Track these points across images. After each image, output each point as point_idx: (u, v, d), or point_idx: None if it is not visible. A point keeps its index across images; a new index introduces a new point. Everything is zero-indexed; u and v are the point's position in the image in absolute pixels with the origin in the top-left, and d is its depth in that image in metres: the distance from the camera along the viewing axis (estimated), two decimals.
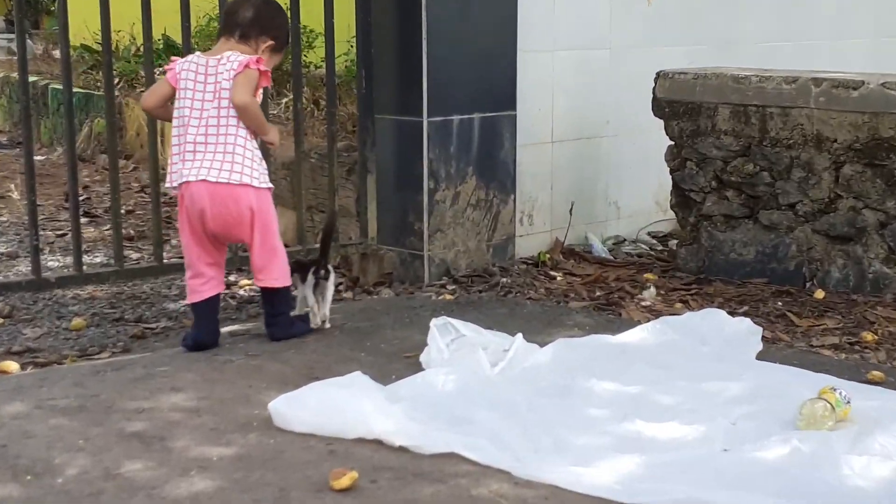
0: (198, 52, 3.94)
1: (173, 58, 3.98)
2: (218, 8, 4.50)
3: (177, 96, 3.89)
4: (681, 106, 4.88)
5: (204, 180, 3.77)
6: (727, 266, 4.83)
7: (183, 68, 3.88)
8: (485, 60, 4.81)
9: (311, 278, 4.18)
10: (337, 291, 4.67)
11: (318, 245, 4.30)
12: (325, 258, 4.26)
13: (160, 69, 4.63)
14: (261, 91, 3.93)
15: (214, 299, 3.99)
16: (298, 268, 4.24)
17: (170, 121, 3.96)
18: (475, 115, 4.80)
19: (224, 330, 4.13)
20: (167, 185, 4.00)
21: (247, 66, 3.82)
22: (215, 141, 3.84)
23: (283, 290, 3.99)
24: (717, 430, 2.95)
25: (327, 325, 4.22)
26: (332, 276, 4.27)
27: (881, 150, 4.40)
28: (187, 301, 4.05)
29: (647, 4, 5.63)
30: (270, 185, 3.93)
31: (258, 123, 3.94)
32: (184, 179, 3.81)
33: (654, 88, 4.96)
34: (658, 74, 4.96)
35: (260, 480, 2.78)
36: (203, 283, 3.95)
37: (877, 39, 6.85)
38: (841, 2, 6.71)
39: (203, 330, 3.98)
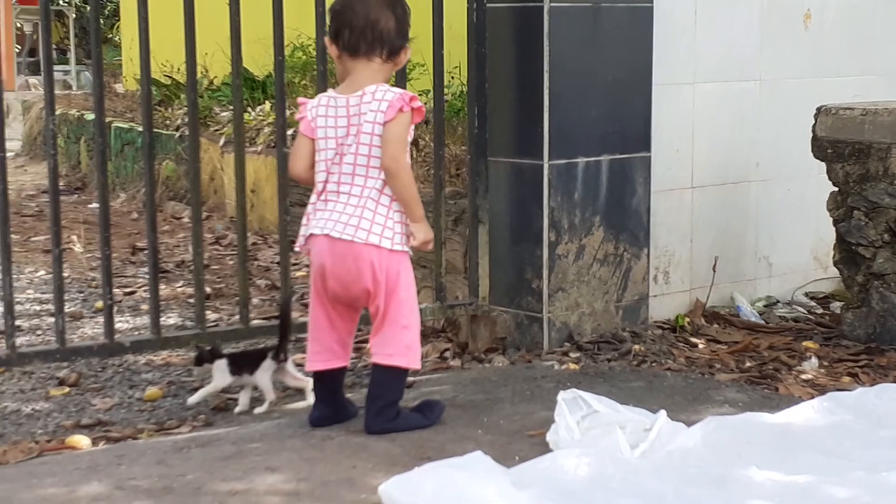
0: (331, 90, 3.91)
1: (300, 99, 3.95)
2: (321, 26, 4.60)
3: (316, 147, 3.90)
4: (846, 146, 4.91)
5: (327, 235, 3.82)
6: None
7: (318, 114, 3.89)
8: (615, 95, 4.85)
9: (269, 363, 4.29)
10: (443, 359, 4.77)
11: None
12: (285, 341, 4.36)
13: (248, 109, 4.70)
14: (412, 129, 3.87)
15: (332, 373, 4.03)
16: (250, 356, 4.41)
17: (309, 182, 3.97)
18: (603, 157, 4.84)
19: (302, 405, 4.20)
20: (297, 244, 4.02)
21: (400, 109, 3.82)
22: (348, 191, 3.87)
23: (396, 373, 3.94)
24: None
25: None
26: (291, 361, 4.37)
27: None
28: (306, 369, 4.10)
29: (805, 27, 5.68)
30: (407, 248, 3.90)
31: (407, 196, 3.90)
32: (309, 232, 3.88)
33: (813, 126, 5.00)
34: (819, 110, 5.00)
35: None
36: (322, 351, 4.02)
37: None
38: None
39: (322, 406, 4.05)
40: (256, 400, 4.42)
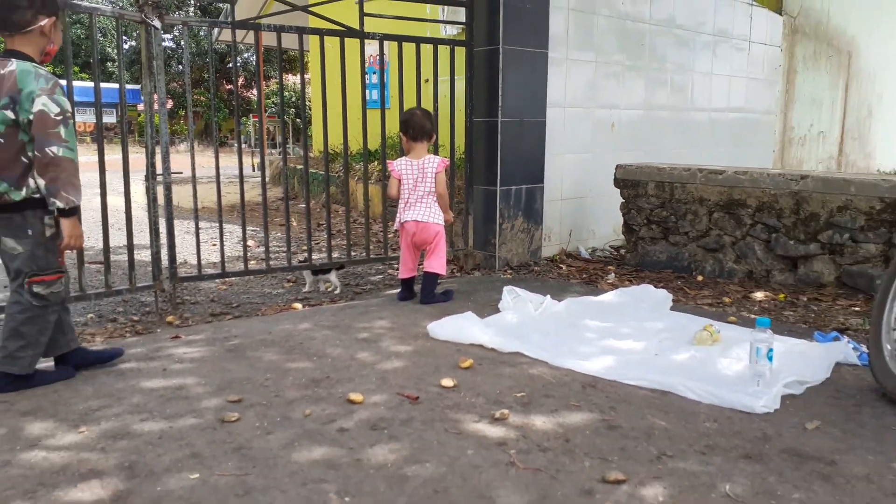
0: (406, 157, 3.95)
1: (389, 161, 4.02)
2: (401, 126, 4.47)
3: (402, 183, 4.02)
4: (629, 182, 5.12)
5: (415, 220, 3.99)
6: (651, 263, 5.04)
7: (402, 168, 4.00)
8: (528, 159, 4.93)
9: (334, 273, 4.43)
10: (451, 273, 4.85)
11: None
12: (329, 271, 4.48)
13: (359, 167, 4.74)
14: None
15: (412, 279, 4.12)
16: (327, 269, 4.48)
17: (397, 200, 4.05)
18: (523, 185, 4.97)
19: (395, 292, 4.23)
20: (395, 225, 4.11)
21: (442, 166, 3.98)
22: (421, 202, 4.00)
23: (435, 276, 4.02)
24: (652, 345, 3.04)
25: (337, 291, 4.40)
26: (332, 274, 4.40)
27: (734, 205, 4.63)
28: (399, 276, 4.15)
29: (612, 130, 5.90)
30: (443, 224, 4.00)
31: (445, 203, 4.07)
32: (405, 219, 4.02)
33: (615, 173, 5.19)
34: (617, 166, 5.20)
35: (423, 362, 2.93)
36: (407, 270, 4.10)
37: (732, 149, 6.98)
38: (714, 128, 6.84)
39: (404, 292, 4.13)
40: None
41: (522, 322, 3.50)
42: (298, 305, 4.17)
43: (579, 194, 5.60)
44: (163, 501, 1.93)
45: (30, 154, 2.45)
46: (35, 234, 2.51)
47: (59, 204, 2.45)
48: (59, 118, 2.40)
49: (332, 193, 8.16)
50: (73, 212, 2.50)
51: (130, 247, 3.82)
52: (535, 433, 2.29)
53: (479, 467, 2.12)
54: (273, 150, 17.31)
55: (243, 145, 17.91)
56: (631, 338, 3.18)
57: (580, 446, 2.24)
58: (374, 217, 7.22)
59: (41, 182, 2.45)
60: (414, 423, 2.36)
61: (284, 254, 4.94)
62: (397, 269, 5.07)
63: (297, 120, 18.33)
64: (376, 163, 7.03)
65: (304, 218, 4.56)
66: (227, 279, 4.71)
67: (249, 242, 5.98)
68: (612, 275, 4.83)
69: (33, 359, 2.59)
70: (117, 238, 5.27)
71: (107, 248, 3.72)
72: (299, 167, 9.25)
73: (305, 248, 4.98)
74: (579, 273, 4.94)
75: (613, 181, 5.17)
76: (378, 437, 2.25)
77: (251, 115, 20.58)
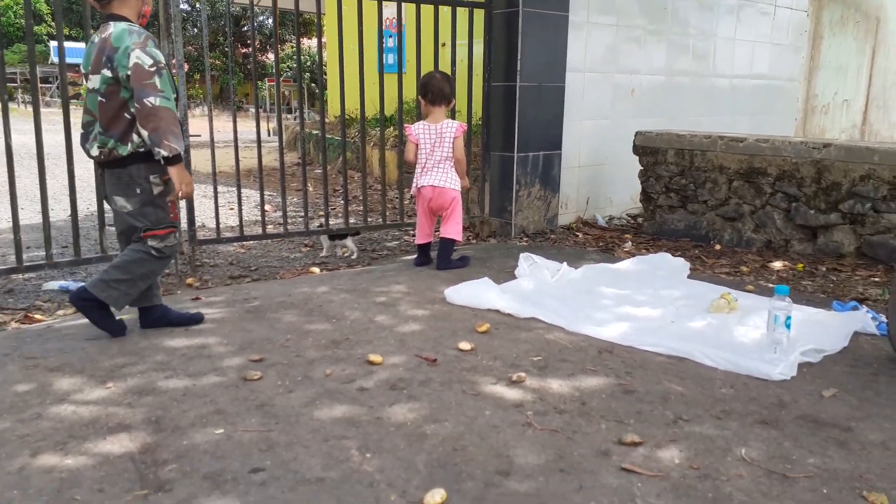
0: (423, 121, 3.89)
1: (406, 125, 3.98)
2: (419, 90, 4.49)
3: (419, 147, 3.97)
4: (648, 149, 5.07)
5: (432, 185, 3.97)
6: (669, 232, 5.03)
7: (420, 133, 3.95)
8: (547, 125, 4.93)
9: (350, 238, 4.46)
10: (466, 240, 4.83)
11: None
12: (345, 236, 4.51)
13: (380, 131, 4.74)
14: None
15: (428, 245, 4.12)
16: (343, 235, 4.46)
17: (414, 165, 4.01)
18: (540, 152, 4.96)
19: (411, 258, 4.22)
20: (412, 190, 4.09)
21: (460, 130, 3.92)
22: (438, 167, 3.96)
23: (451, 242, 4.00)
24: (668, 312, 3.05)
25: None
26: (348, 239, 4.43)
27: (754, 173, 4.59)
28: (416, 242, 4.15)
29: (632, 96, 5.81)
30: (460, 189, 4.03)
31: (462, 169, 4.04)
32: (421, 185, 4.00)
33: (634, 140, 5.15)
34: (636, 133, 5.14)
35: (440, 326, 2.96)
36: (423, 235, 4.10)
37: (753, 116, 6.86)
38: (736, 95, 6.71)
39: (421, 258, 4.14)
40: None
41: (539, 288, 3.52)
42: (316, 269, 4.21)
43: (597, 161, 5.56)
44: (189, 454, 1.98)
45: (131, 110, 2.53)
46: (143, 192, 2.61)
47: (163, 152, 2.50)
48: (152, 69, 2.47)
49: (347, 159, 8.09)
50: (178, 159, 2.55)
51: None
52: (551, 396, 2.32)
53: (496, 427, 2.16)
54: (288, 115, 17.24)
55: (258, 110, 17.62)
56: (648, 305, 3.19)
57: (596, 409, 2.27)
58: (389, 183, 7.23)
59: (145, 134, 2.51)
60: (432, 384, 2.40)
61: (301, 218, 4.97)
62: (413, 236, 5.10)
63: (313, 84, 18.19)
64: (392, 128, 6.97)
65: (320, 183, 4.55)
66: (245, 243, 4.76)
67: (266, 207, 5.99)
68: (629, 243, 4.82)
69: (124, 297, 2.66)
70: None
71: None
72: (314, 132, 9.24)
73: (322, 213, 5.00)
74: (596, 241, 4.93)
75: (633, 148, 5.12)
76: (397, 396, 2.29)
77: (266, 79, 20.45)
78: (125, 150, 2.59)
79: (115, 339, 2.87)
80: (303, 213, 4.51)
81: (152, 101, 2.47)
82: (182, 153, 2.58)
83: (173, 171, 2.58)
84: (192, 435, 2.09)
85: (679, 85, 6.12)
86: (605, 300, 3.28)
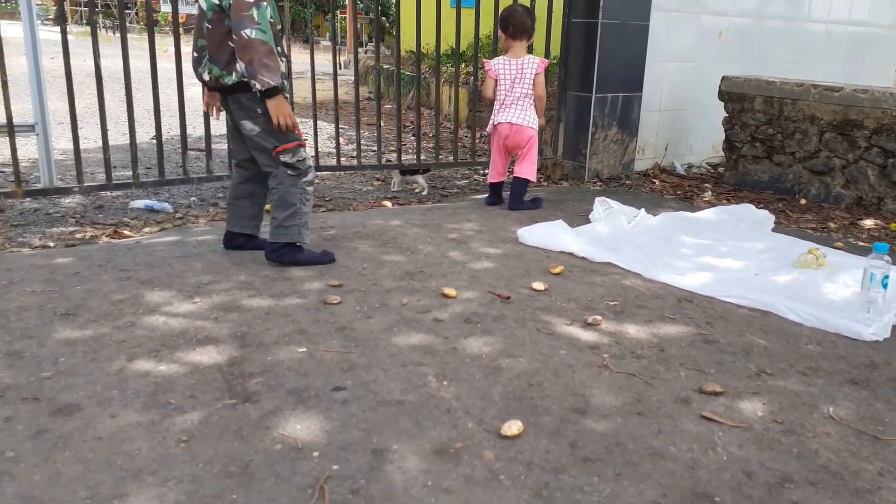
0: (503, 56, 3.81)
1: (484, 60, 3.89)
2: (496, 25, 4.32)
3: (498, 83, 3.87)
4: (735, 95, 4.85)
5: (509, 122, 3.89)
6: (751, 183, 4.85)
7: (499, 68, 3.85)
8: (628, 65, 4.81)
9: (421, 176, 4.44)
10: (538, 183, 4.75)
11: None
12: (416, 172, 4.47)
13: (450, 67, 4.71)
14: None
15: (500, 184, 4.08)
16: (416, 171, 4.44)
17: (492, 102, 3.91)
18: (620, 93, 4.81)
19: (482, 197, 4.19)
20: (489, 127, 4.00)
21: (542, 66, 3.82)
22: (517, 104, 3.87)
23: (525, 182, 3.95)
24: (751, 265, 2.97)
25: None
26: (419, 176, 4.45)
27: (848, 126, 4.35)
28: (489, 181, 4.11)
29: (719, 38, 5.53)
30: (537, 128, 3.94)
31: (541, 107, 3.94)
32: (498, 121, 3.92)
33: (719, 85, 4.93)
34: (723, 78, 4.93)
35: (513, 265, 2.97)
36: (496, 174, 4.05)
37: (848, 66, 6.49)
38: (830, 42, 6.36)
39: (492, 197, 4.11)
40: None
41: (614, 234, 3.46)
42: (388, 203, 4.24)
43: (678, 106, 5.36)
44: (274, 370, 2.04)
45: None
46: (264, 111, 2.61)
47: (257, 86, 2.51)
48: (251, 1, 2.45)
49: (412, 95, 8.05)
50: (274, 92, 2.55)
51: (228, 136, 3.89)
52: (628, 341, 2.29)
53: (571, 367, 2.15)
54: (360, 49, 17.15)
55: (329, 43, 17.84)
56: (729, 256, 3.11)
57: (675, 357, 2.23)
58: (460, 121, 7.13)
59: (241, 65, 2.52)
60: (506, 320, 2.40)
61: (373, 153, 4.97)
62: (483, 175, 5.07)
63: (384, 18, 18.03)
64: (464, 65, 6.84)
65: (391, 118, 4.52)
66: (319, 174, 4.78)
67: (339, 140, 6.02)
68: (709, 193, 4.69)
69: (301, 228, 2.74)
70: (218, 127, 5.39)
71: (208, 135, 3.83)
72: (386, 66, 9.17)
73: (393, 148, 4.98)
74: (673, 189, 4.81)
75: (718, 94, 4.92)
76: (472, 329, 2.31)
77: (339, 11, 20.31)
78: (230, 79, 2.60)
79: (200, 258, 2.96)
80: (375, 148, 4.50)
81: (248, 33, 2.45)
82: (280, 86, 2.56)
83: (270, 104, 2.57)
84: (275, 352, 2.15)
85: (769, 29, 5.80)
86: (685, 249, 3.20)
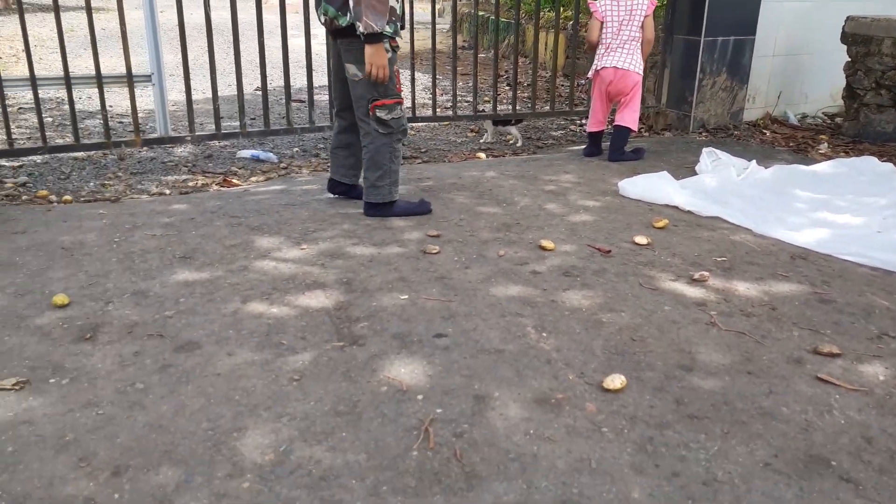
0: None
1: (589, 1, 3.75)
2: None
3: (604, 25, 3.73)
4: (859, 37, 4.50)
5: (614, 67, 3.75)
6: (873, 135, 4.53)
7: (606, 9, 3.70)
8: (740, 7, 4.53)
9: (514, 126, 4.38)
10: (639, 133, 4.57)
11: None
12: (508, 123, 4.37)
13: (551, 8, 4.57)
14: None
15: (600, 133, 3.97)
16: (508, 121, 4.33)
17: (596, 46, 3.75)
18: (731, 37, 4.58)
19: (579, 148, 4.15)
20: (591, 72, 3.88)
21: (652, 8, 3.65)
22: (623, 48, 3.72)
23: (627, 131, 3.82)
24: (873, 221, 2.81)
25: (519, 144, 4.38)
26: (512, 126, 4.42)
27: None
28: (587, 130, 4.01)
29: None
30: (641, 73, 3.80)
31: (648, 50, 3.79)
32: (602, 66, 3.78)
33: (843, 26, 4.56)
34: (847, 18, 4.56)
35: (614, 218, 2.92)
36: (596, 123, 3.93)
37: None
38: None
39: (591, 147, 4.00)
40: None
41: (722, 186, 3.31)
42: (482, 155, 4.22)
43: (794, 51, 5.01)
44: (378, 315, 2.10)
45: None
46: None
47: (360, 28, 2.47)
48: None
49: (512, 43, 7.87)
50: (376, 38, 2.50)
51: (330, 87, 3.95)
52: (737, 298, 2.21)
53: (676, 323, 2.09)
54: None
55: None
56: (848, 212, 2.97)
57: (788, 316, 2.13)
58: (557, 69, 6.94)
59: (352, 6, 2.48)
60: (607, 274, 2.36)
61: (468, 103, 4.93)
62: (580, 125, 4.94)
63: None
64: (562, 9, 6.63)
65: (484, 68, 4.44)
66: (414, 125, 4.80)
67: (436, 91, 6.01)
68: (825, 144, 4.40)
69: (392, 186, 2.77)
70: (318, 78, 5.49)
71: (310, 86, 3.90)
72: (481, 13, 8.99)
73: (487, 98, 4.92)
74: (786, 141, 4.54)
75: (840, 36, 4.55)
76: (571, 282, 2.29)
77: None
78: (344, 20, 2.54)
79: (305, 206, 3.06)
80: (469, 98, 4.46)
81: None
82: (390, 31, 2.53)
83: (368, 50, 2.53)
84: (379, 298, 2.21)
85: None
86: (799, 203, 3.08)
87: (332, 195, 3.07)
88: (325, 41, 3.89)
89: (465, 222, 2.83)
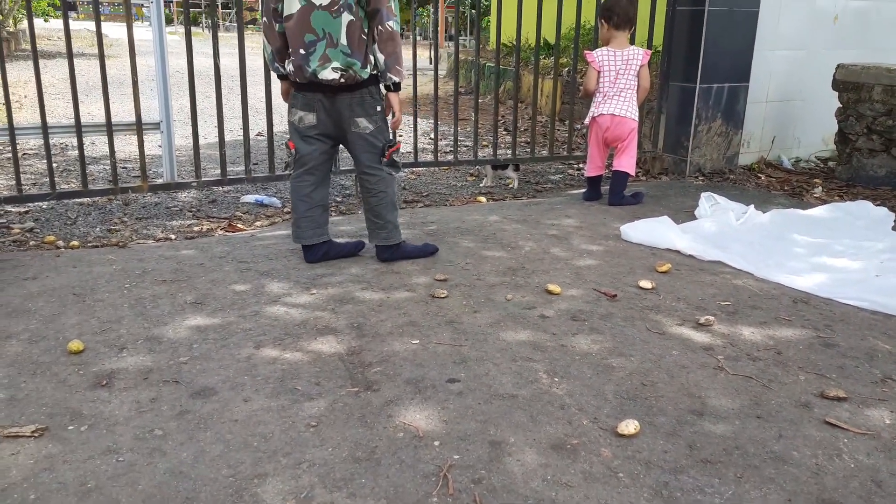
0: (606, 47, 3.78)
1: (586, 52, 3.87)
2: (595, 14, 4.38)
3: (601, 75, 3.85)
4: (851, 84, 4.65)
5: (611, 114, 3.87)
6: (866, 179, 4.64)
7: (603, 59, 3.82)
8: (734, 54, 4.68)
9: (511, 169, 4.46)
10: (636, 177, 4.66)
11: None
12: (507, 167, 4.46)
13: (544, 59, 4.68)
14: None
15: (598, 178, 4.05)
16: (505, 165, 4.43)
17: (593, 94, 3.88)
18: (725, 84, 4.70)
19: (578, 192, 4.21)
20: (587, 118, 3.98)
21: (646, 57, 3.78)
22: (619, 96, 3.84)
23: (625, 176, 3.90)
24: (871, 266, 2.85)
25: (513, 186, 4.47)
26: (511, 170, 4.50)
27: None
28: (586, 175, 4.08)
29: (833, 23, 5.27)
30: (637, 119, 3.91)
31: (643, 97, 3.91)
32: (599, 112, 3.90)
33: (834, 74, 4.72)
34: (838, 65, 4.72)
35: (617, 262, 2.96)
36: (594, 168, 4.02)
37: None
38: None
39: (590, 192, 4.09)
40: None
41: (722, 231, 3.38)
42: (483, 199, 4.29)
43: (787, 97, 5.16)
44: (391, 360, 2.14)
45: (365, 30, 2.51)
46: (381, 108, 2.65)
47: (394, 78, 2.53)
48: None
49: (509, 88, 8.01)
50: (400, 87, 2.61)
51: None
52: (743, 342, 2.26)
53: (685, 367, 2.14)
54: (448, 42, 17.24)
55: (419, 38, 18.09)
56: (846, 256, 3.02)
57: (793, 360, 2.18)
58: (550, 115, 7.07)
59: (381, 58, 2.52)
60: (614, 318, 2.41)
61: (467, 148, 5.02)
62: (578, 170, 5.03)
63: (473, 11, 18.03)
64: (555, 58, 6.81)
65: (481, 113, 4.51)
66: (415, 169, 4.89)
67: (432, 136, 6.13)
68: (819, 188, 4.52)
69: (398, 226, 2.83)
70: None
71: None
72: (468, 59, 9.20)
73: (484, 143, 5.01)
74: (780, 184, 4.65)
75: (832, 83, 4.71)
76: (579, 327, 2.34)
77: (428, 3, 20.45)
78: (365, 73, 2.54)
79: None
80: (468, 143, 4.55)
81: (392, 25, 2.47)
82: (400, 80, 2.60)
83: (393, 98, 2.60)
84: (391, 342, 2.25)
85: (889, 12, 5.46)
86: (798, 248, 3.13)
87: (313, 262, 2.83)
88: None
89: (472, 266, 2.88)
